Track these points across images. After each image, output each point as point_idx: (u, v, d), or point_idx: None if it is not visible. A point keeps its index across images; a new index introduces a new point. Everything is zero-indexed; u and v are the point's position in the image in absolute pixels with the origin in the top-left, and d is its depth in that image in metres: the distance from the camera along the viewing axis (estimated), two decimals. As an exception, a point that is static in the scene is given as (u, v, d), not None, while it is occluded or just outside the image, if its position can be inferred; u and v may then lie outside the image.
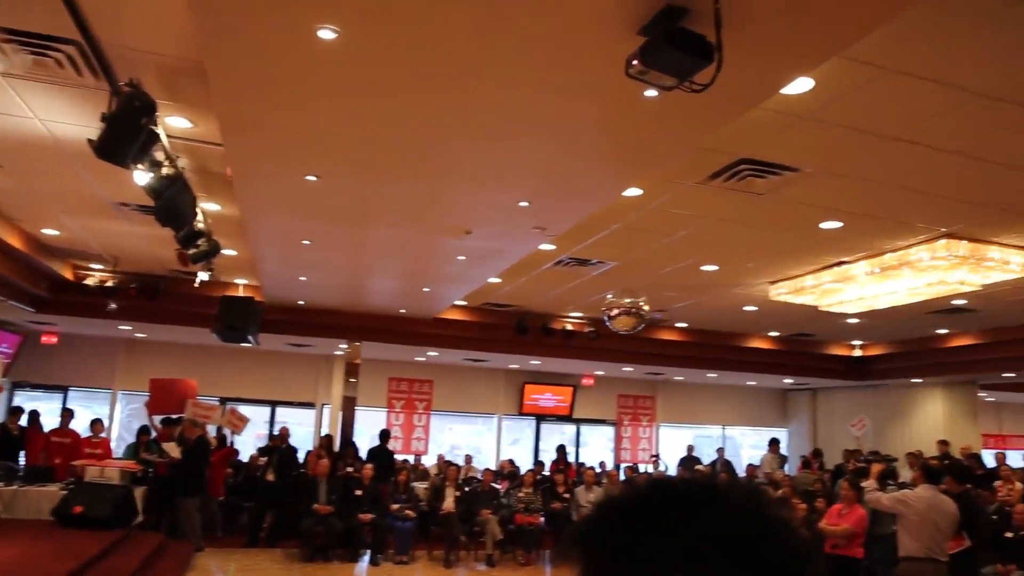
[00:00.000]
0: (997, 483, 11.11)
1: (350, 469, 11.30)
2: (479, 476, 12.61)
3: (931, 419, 15.64)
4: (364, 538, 10.20)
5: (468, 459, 14.39)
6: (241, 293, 11.55)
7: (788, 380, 17.10)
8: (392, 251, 8.18)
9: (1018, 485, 10.85)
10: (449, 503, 10.81)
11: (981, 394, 16.38)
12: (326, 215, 6.87)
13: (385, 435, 12.74)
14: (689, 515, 0.72)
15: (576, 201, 5.97)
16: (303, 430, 16.20)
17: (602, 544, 0.74)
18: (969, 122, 4.97)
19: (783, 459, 16.93)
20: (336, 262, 8.93)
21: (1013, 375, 14.54)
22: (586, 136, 4.75)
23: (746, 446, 19.82)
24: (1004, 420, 21.06)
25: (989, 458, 14.01)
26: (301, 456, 12.00)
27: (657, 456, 16.79)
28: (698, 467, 14.83)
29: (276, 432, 12.61)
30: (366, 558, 10.10)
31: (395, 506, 10.61)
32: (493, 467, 14.33)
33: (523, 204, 6.05)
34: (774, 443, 15.49)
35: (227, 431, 11.42)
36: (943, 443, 13.88)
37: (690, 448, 16.46)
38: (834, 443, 16.61)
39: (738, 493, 0.75)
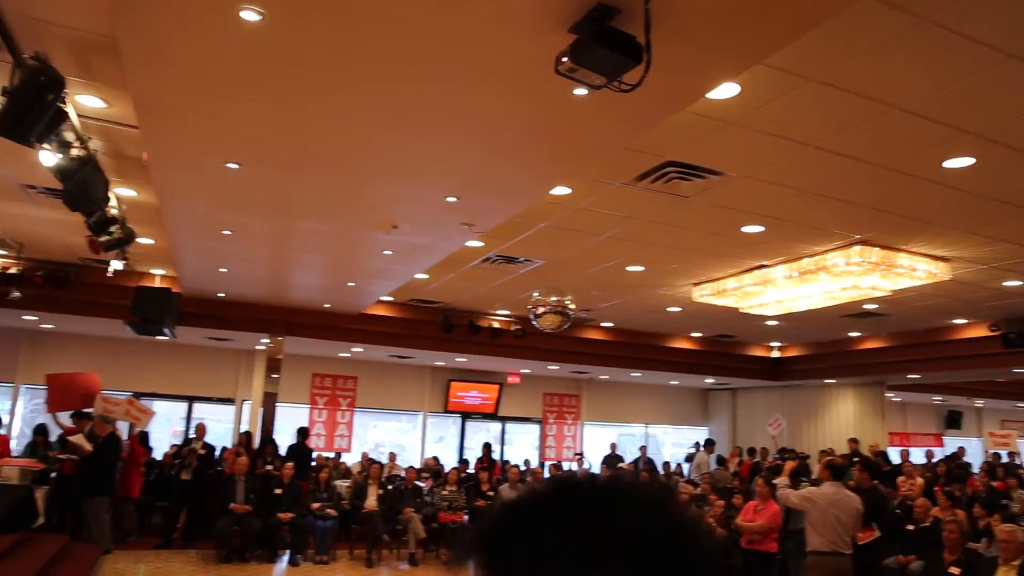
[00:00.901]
0: (900, 478, 11.63)
1: (269, 467, 11.03)
2: (403, 474, 12.51)
3: (843, 418, 16.26)
4: (283, 538, 9.98)
5: (392, 457, 14.24)
6: (157, 284, 11.14)
7: (709, 380, 17.51)
8: (317, 244, 8.01)
9: (919, 480, 11.37)
10: (371, 501, 10.67)
11: (888, 394, 17.11)
12: (248, 205, 6.67)
13: (303, 433, 12.49)
14: (595, 515, 0.69)
15: (504, 197, 5.95)
16: (222, 427, 15.76)
17: (504, 544, 0.72)
18: (882, 134, 5.15)
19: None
20: (258, 254, 8.69)
21: (918, 377, 15.26)
22: (515, 132, 4.73)
23: (668, 444, 20.22)
24: (909, 419, 22.12)
25: (895, 455, 14.66)
26: (218, 453, 11.64)
27: (581, 455, 16.94)
28: (621, 465, 15.03)
29: (193, 431, 12.10)
30: (285, 558, 9.88)
31: (316, 505, 10.41)
32: (418, 465, 14.22)
33: (451, 199, 6.00)
34: (710, 444, 15.75)
35: (128, 425, 10.87)
36: (853, 441, 14.45)
37: (613, 446, 16.69)
38: (753, 441, 17.08)
39: (647, 494, 0.73)
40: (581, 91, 3.91)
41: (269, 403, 13.02)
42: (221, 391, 16.02)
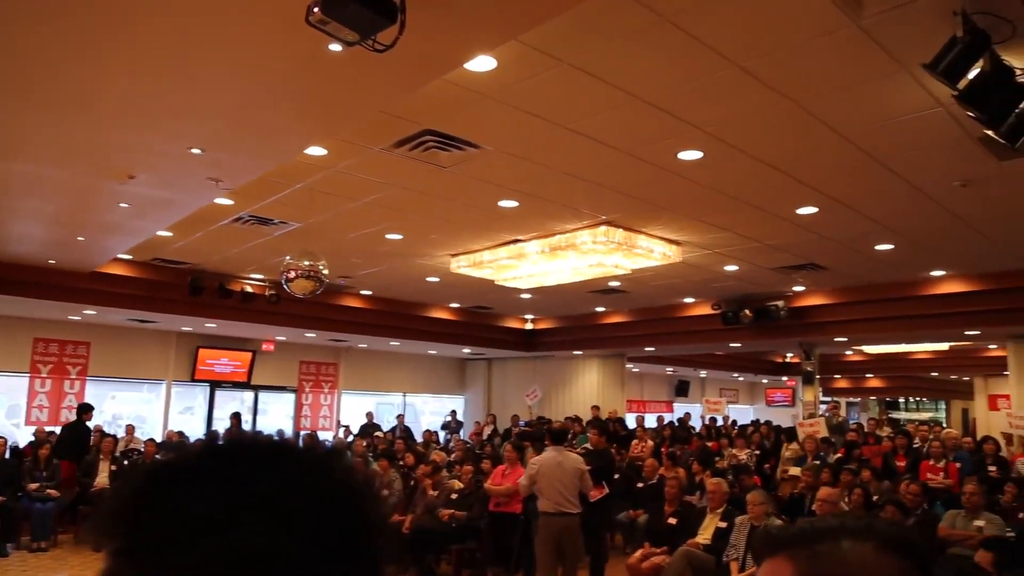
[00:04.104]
0: (634, 441, 12.77)
1: (-27, 445, 9.70)
2: (141, 448, 11.61)
3: (588, 387, 17.47)
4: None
5: (130, 429, 13.16)
6: None
7: (467, 350, 17.99)
8: (37, 190, 7.03)
9: (650, 443, 12.57)
10: (102, 478, 9.80)
11: (628, 365, 18.64)
12: (-56, 139, 5.70)
13: (85, 409, 11.24)
14: (251, 478, 0.63)
15: (255, 154, 5.61)
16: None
17: (141, 514, 0.63)
18: (626, 121, 5.51)
19: (460, 424, 17.88)
20: (-39, 198, 7.50)
21: (653, 349, 16.79)
22: (266, 84, 4.46)
23: (427, 413, 20.55)
24: (645, 388, 24.32)
25: (633, 420, 16.05)
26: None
27: (348, 427, 16.44)
28: (377, 434, 15.02)
29: None
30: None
31: (33, 485, 9.32)
32: (159, 438, 13.24)
33: (195, 151, 5.54)
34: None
35: None
36: (595, 408, 15.63)
37: (370, 415, 16.64)
38: (507, 409, 17.87)
39: (310, 455, 0.68)
40: (336, 47, 3.75)
41: (-24, 371, 11.42)
42: (-90, 358, 13.78)
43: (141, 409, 16.37)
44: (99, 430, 12.48)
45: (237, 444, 0.68)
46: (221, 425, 15.95)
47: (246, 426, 15.74)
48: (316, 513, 0.63)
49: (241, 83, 4.46)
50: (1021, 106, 4.16)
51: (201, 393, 17.01)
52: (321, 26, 3.30)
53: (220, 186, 6.37)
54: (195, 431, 14.96)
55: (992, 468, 9.44)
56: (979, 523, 6.53)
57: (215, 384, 16.85)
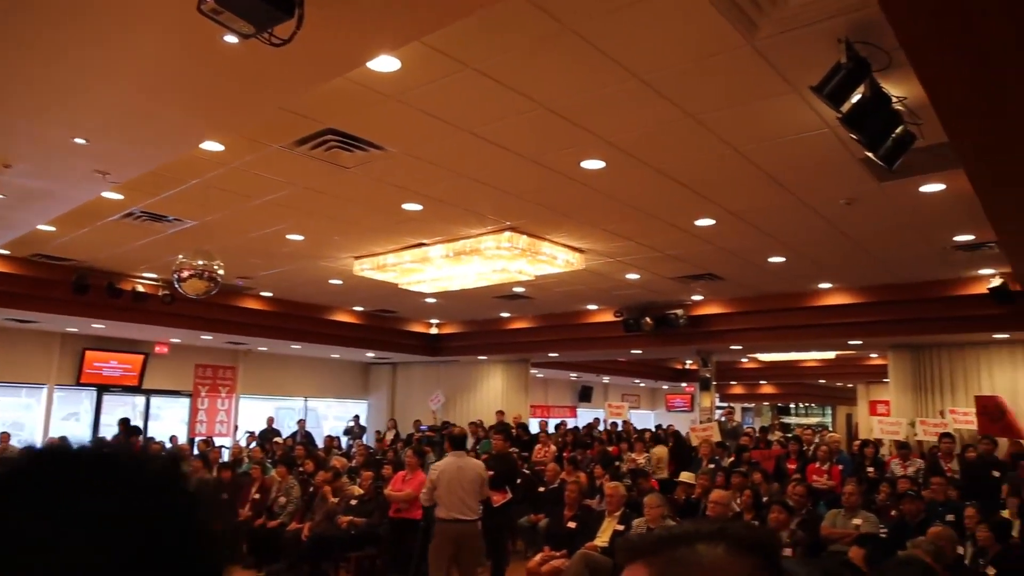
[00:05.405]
0: (537, 446, 12.89)
1: None
2: (16, 455, 10.87)
3: (492, 392, 17.51)
4: None
5: (5, 437, 12.36)
6: None
7: (371, 354, 17.74)
8: (-100, 178, 6.54)
9: (552, 448, 12.72)
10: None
11: (532, 371, 18.79)
12: None
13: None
14: (82, 492, 0.59)
15: (144, 146, 5.35)
16: None
17: None
18: (530, 128, 5.55)
19: (363, 429, 17.62)
20: None
21: (557, 355, 16.99)
22: (157, 74, 4.26)
23: (330, 418, 20.15)
24: (549, 393, 24.59)
25: (537, 426, 16.17)
26: None
27: (253, 432, 15.79)
28: (276, 439, 14.61)
29: None
30: None
31: None
32: (38, 446, 12.47)
33: (79, 141, 5.24)
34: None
35: None
36: (499, 413, 15.68)
37: (270, 420, 16.20)
38: (411, 414, 17.72)
39: (142, 467, 0.64)
40: (231, 39, 3.63)
41: None
42: None
43: (19, 415, 15.41)
44: (-31, 437, 11.70)
45: (66, 453, 0.64)
46: (109, 432, 15.18)
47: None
48: (147, 527, 0.60)
49: (129, 71, 4.25)
50: (897, 131, 4.42)
51: (88, 398, 16.15)
52: (214, 16, 3.18)
53: (107, 179, 6.05)
54: (81, 438, 14.16)
55: (870, 469, 9.98)
56: (857, 521, 6.90)
57: (103, 388, 16.03)
